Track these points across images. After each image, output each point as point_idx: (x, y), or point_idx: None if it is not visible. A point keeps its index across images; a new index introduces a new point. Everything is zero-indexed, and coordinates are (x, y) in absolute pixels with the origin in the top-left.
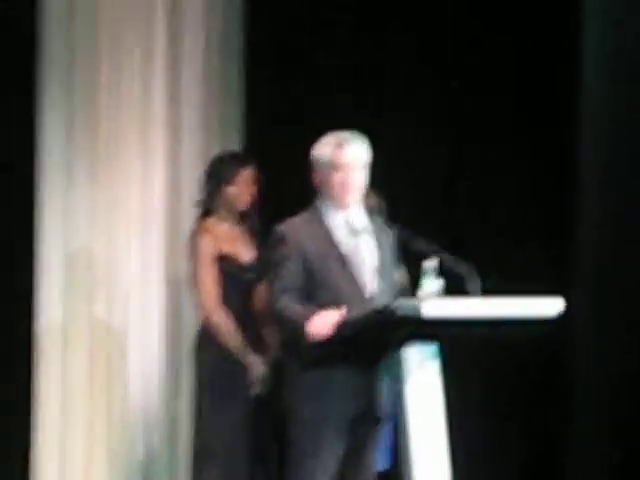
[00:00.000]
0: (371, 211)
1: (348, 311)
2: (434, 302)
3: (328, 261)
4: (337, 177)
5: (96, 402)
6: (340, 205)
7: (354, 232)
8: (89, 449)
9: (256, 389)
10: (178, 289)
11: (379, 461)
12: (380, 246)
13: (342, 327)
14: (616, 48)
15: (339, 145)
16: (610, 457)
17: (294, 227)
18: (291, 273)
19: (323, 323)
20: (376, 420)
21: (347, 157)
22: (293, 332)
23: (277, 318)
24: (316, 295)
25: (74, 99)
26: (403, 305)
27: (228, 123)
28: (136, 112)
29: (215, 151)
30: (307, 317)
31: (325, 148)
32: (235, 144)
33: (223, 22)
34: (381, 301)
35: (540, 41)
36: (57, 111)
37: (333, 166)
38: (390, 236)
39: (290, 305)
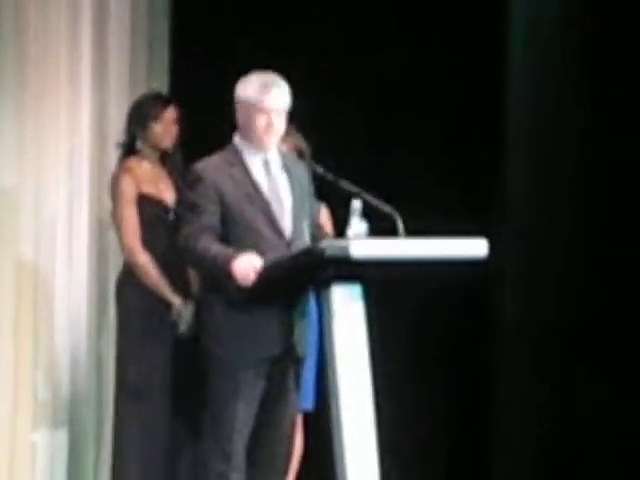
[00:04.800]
0: (295, 151)
1: (268, 253)
2: (363, 242)
3: (247, 202)
4: (260, 120)
5: (22, 341)
6: (259, 147)
7: (272, 173)
8: (15, 389)
9: (179, 329)
10: (105, 228)
11: (304, 401)
12: (298, 187)
13: (268, 269)
14: None
15: (265, 87)
16: (536, 395)
17: (212, 167)
18: (209, 214)
19: (248, 267)
20: (296, 361)
21: (272, 101)
22: (215, 274)
23: (197, 259)
24: (234, 237)
25: (1, 42)
26: (331, 245)
27: (155, 64)
28: (63, 52)
29: (141, 91)
30: (230, 259)
31: (250, 89)
32: (161, 85)
33: None
34: (300, 243)
35: None
36: None
37: (257, 109)
38: (309, 176)
39: (212, 246)
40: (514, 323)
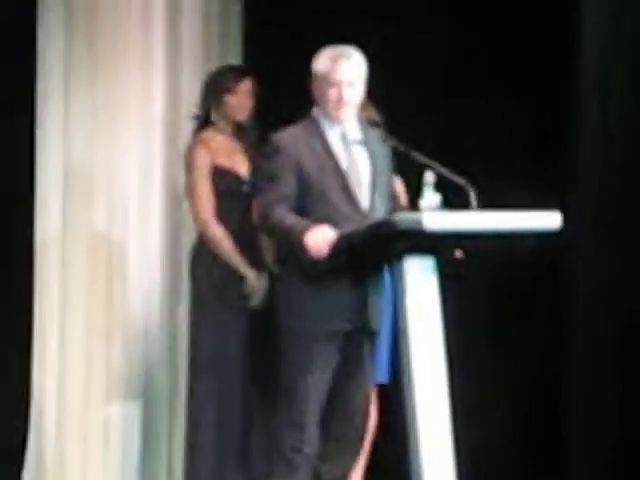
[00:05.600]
0: (369, 124)
1: (343, 226)
2: (436, 215)
3: (325, 174)
4: (331, 92)
5: (95, 315)
6: (334, 119)
7: (350, 145)
8: (89, 362)
9: (253, 302)
10: (178, 199)
11: (379, 374)
12: (376, 160)
13: (341, 242)
14: None
15: (334, 60)
16: (610, 367)
17: (291, 137)
18: (286, 184)
19: (320, 239)
20: (370, 334)
21: (342, 73)
22: (289, 245)
23: (272, 229)
24: (311, 208)
25: (73, 14)
26: (404, 218)
27: (228, 35)
28: (136, 22)
29: (214, 62)
30: (305, 231)
31: (321, 62)
32: (235, 56)
33: None
34: (377, 215)
35: None
36: (57, 23)
37: (328, 81)
38: (387, 149)
39: (287, 217)
40: (589, 298)
